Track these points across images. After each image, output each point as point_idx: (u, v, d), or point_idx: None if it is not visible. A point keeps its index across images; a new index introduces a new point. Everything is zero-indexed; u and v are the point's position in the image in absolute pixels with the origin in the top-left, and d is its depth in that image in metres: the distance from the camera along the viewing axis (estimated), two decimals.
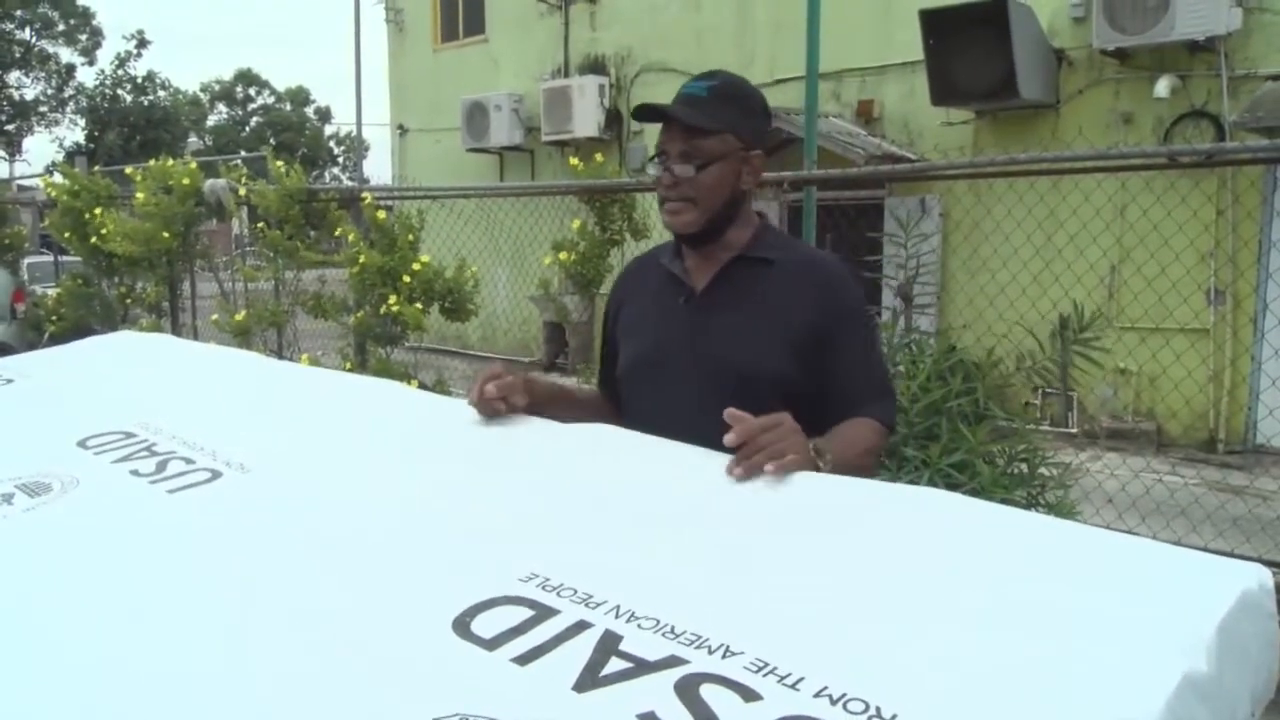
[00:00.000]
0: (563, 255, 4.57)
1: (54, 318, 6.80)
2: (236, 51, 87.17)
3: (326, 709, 0.79)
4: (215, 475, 1.31)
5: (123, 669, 0.85)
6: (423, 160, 12.45)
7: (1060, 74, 7.46)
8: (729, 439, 1.24)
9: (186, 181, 6.01)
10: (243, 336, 5.53)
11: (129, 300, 6.68)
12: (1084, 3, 7.18)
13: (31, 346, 5.52)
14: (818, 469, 1.29)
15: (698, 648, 0.83)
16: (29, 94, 30.34)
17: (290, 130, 41.49)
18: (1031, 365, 3.02)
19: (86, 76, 54.26)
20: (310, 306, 5.51)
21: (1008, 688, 0.77)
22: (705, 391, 1.55)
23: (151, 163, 6.26)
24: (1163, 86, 6.84)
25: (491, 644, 0.85)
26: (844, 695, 0.75)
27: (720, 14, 9.71)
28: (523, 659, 0.83)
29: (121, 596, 0.99)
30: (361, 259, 4.89)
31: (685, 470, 1.29)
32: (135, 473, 1.34)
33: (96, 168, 8.85)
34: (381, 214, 5.07)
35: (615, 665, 0.81)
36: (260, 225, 5.89)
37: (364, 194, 5.52)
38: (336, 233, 5.46)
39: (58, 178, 6.94)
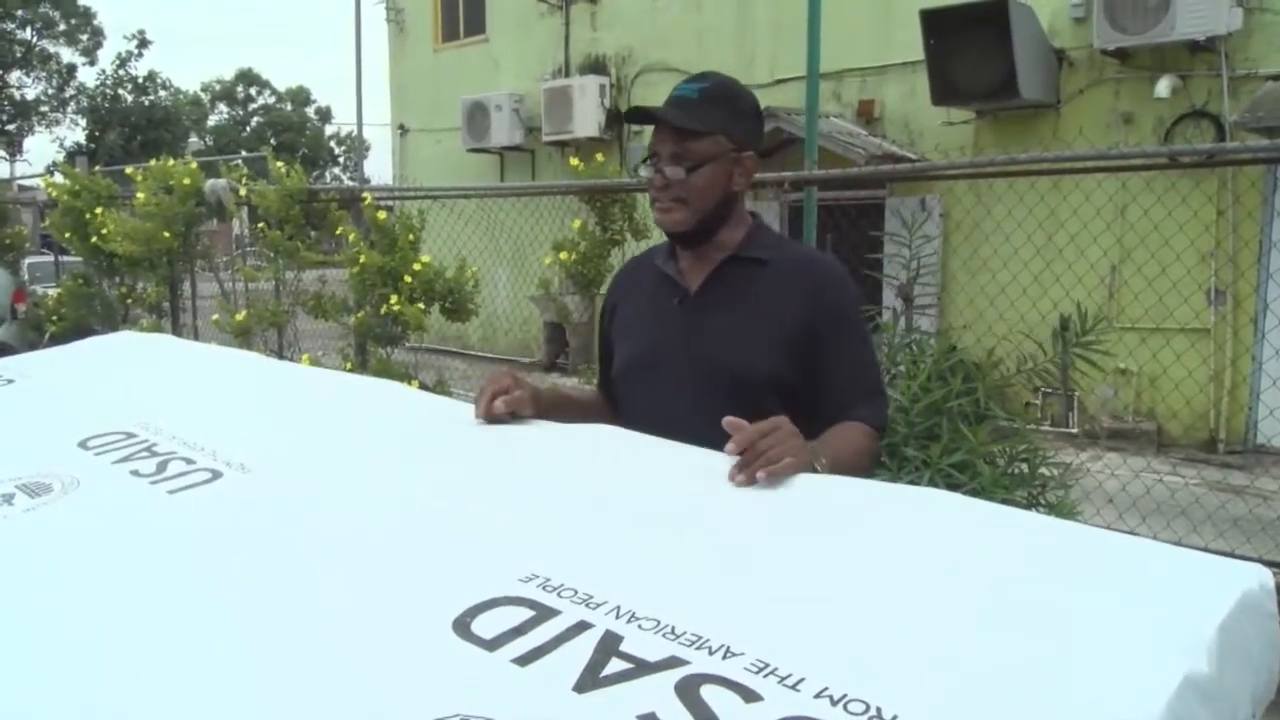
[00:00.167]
0: (563, 255, 4.57)
1: (54, 318, 6.80)
2: (237, 51, 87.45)
3: (326, 709, 0.79)
4: (216, 475, 1.31)
5: (123, 669, 0.85)
6: (423, 160, 12.46)
7: (1061, 74, 7.46)
8: (729, 448, 1.25)
9: (187, 181, 6.01)
10: (243, 337, 5.53)
11: (129, 300, 6.68)
12: (1084, 3, 7.18)
13: (32, 347, 5.53)
14: (815, 472, 1.29)
15: (698, 648, 0.83)
16: (30, 94, 30.42)
17: (291, 130, 41.51)
18: (1032, 366, 3.02)
19: (87, 76, 54.35)
20: (311, 307, 5.51)
21: (1008, 688, 0.77)
22: (699, 392, 1.55)
23: (152, 163, 6.26)
24: (1163, 86, 6.84)
25: (492, 644, 0.85)
26: (844, 696, 0.75)
27: (721, 14, 9.71)
28: (523, 659, 0.83)
29: (122, 597, 0.99)
30: (362, 259, 4.89)
31: (685, 470, 1.29)
32: (136, 473, 1.34)
33: (97, 168, 8.86)
34: (382, 214, 5.07)
35: (616, 666, 0.81)
36: (261, 225, 5.89)
37: (364, 194, 5.52)
38: (337, 233, 5.46)
39: (58, 178, 6.95)
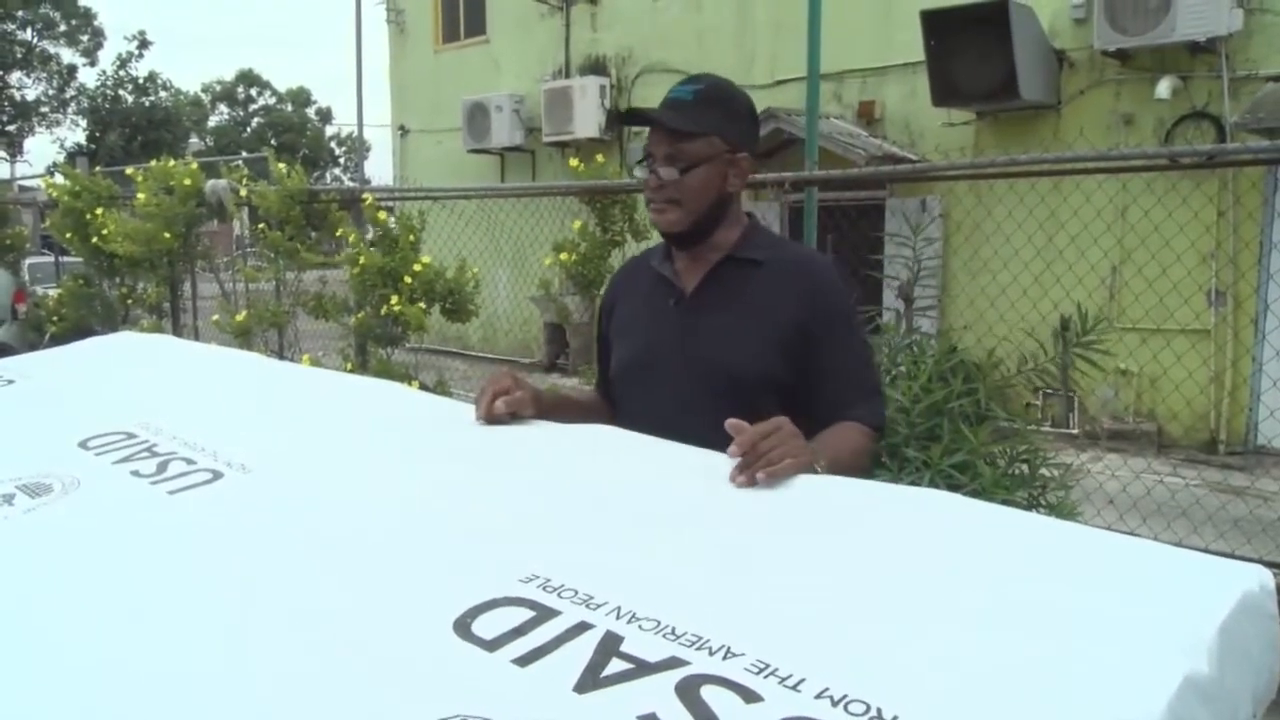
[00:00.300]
0: (563, 256, 4.57)
1: (55, 318, 6.80)
2: (238, 52, 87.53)
3: (326, 709, 0.78)
4: (216, 476, 1.31)
5: (123, 669, 0.85)
6: (424, 161, 12.46)
7: (1061, 75, 7.46)
8: (732, 450, 1.25)
9: (188, 182, 6.01)
10: (243, 337, 5.53)
11: (130, 301, 6.68)
12: (1085, 4, 7.18)
13: (32, 347, 5.53)
14: (815, 473, 1.29)
15: (698, 649, 0.83)
16: (30, 94, 30.42)
17: (291, 131, 41.52)
18: (1033, 366, 3.02)
19: (88, 77, 54.48)
20: (311, 307, 5.51)
21: (1009, 689, 0.77)
22: (695, 393, 1.56)
23: (153, 163, 6.26)
24: (1164, 87, 6.84)
25: (492, 645, 0.85)
26: (845, 696, 0.75)
27: (721, 15, 9.71)
28: (523, 660, 0.83)
29: (122, 597, 0.99)
30: (362, 260, 4.90)
31: (685, 471, 1.30)
32: (136, 473, 1.34)
33: (98, 168, 8.85)
34: (383, 215, 5.07)
35: (616, 666, 0.81)
36: (261, 226, 5.89)
37: (365, 195, 5.52)
38: (338, 234, 5.46)
39: (59, 178, 6.95)
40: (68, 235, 6.55)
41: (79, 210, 6.40)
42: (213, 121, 42.71)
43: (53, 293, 7.20)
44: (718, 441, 1.28)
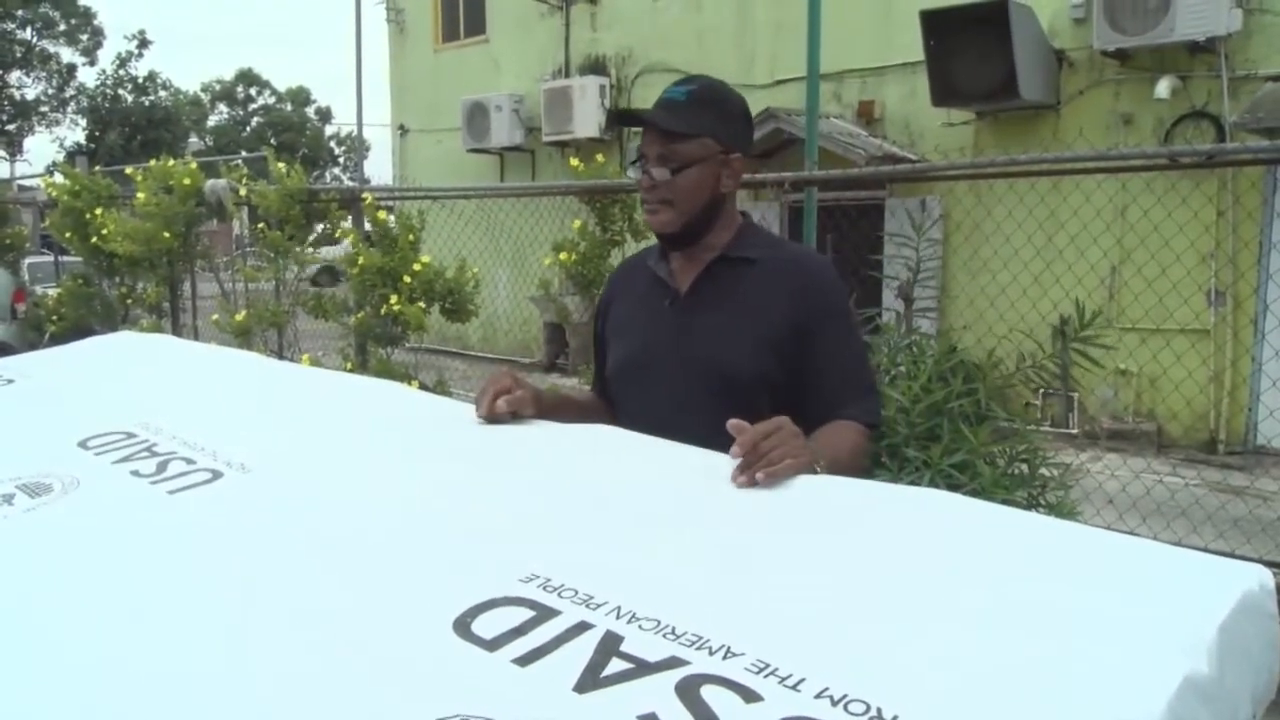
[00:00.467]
0: (563, 256, 4.57)
1: (54, 318, 6.80)
2: (237, 51, 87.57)
3: (326, 709, 0.78)
4: (216, 475, 1.31)
5: (123, 669, 0.85)
6: (423, 160, 12.46)
7: (1061, 75, 7.46)
8: (734, 451, 1.25)
9: (187, 181, 6.01)
10: (243, 337, 5.53)
11: (129, 300, 6.69)
12: (1084, 4, 7.18)
13: (32, 347, 5.52)
14: (815, 473, 1.29)
15: (698, 649, 0.83)
16: (30, 94, 30.42)
17: (291, 130, 41.50)
18: (1032, 366, 3.01)
19: (87, 76, 54.45)
20: (311, 307, 5.51)
21: (1008, 689, 0.77)
22: (691, 392, 1.56)
23: (152, 163, 6.26)
24: (1163, 87, 6.85)
25: (492, 645, 0.85)
26: (845, 696, 0.75)
27: (721, 15, 9.71)
28: (523, 660, 0.83)
29: (122, 597, 0.99)
30: (361, 260, 4.89)
31: (686, 470, 1.30)
32: (136, 473, 1.34)
33: (97, 168, 8.86)
34: (382, 214, 5.07)
35: (616, 666, 0.81)
36: (261, 225, 5.89)
37: (365, 194, 5.52)
38: (337, 234, 5.47)
39: (58, 178, 6.94)
40: (67, 235, 6.55)
41: (78, 210, 6.40)
42: (212, 121, 42.69)
43: (52, 292, 7.20)
44: (714, 441, 1.28)
